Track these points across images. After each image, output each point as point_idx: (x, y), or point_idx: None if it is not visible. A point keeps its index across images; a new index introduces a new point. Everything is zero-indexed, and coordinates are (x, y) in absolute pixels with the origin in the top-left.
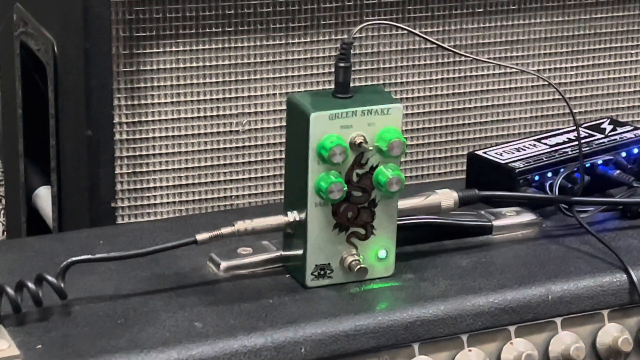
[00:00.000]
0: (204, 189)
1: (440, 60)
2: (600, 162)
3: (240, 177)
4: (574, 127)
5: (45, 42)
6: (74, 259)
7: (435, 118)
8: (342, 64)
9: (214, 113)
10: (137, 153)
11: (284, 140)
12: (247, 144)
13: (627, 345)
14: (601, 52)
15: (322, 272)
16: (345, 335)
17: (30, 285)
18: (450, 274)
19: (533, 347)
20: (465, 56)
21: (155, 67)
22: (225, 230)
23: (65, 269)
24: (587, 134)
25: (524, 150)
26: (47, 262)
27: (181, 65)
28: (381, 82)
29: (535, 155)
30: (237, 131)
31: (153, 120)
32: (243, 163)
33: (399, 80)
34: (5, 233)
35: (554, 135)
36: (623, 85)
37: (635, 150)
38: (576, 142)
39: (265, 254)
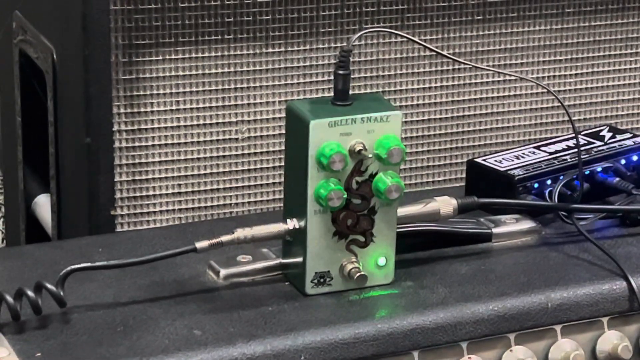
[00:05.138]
0: (203, 197)
1: (439, 68)
2: (599, 169)
3: (240, 184)
4: (573, 135)
5: (44, 50)
6: (73, 266)
7: (435, 125)
8: (341, 72)
9: (214, 121)
10: (137, 161)
11: (283, 147)
12: (246, 151)
13: (627, 353)
14: (600, 60)
15: (321, 280)
16: (345, 343)
17: (30, 293)
18: (450, 281)
19: (533, 355)
20: (465, 64)
21: (154, 74)
22: (225, 238)
23: (65, 277)
24: (586, 142)
25: (523, 157)
26: (46, 270)
27: (180, 72)
28: (380, 89)
29: (534, 163)
30: (237, 139)
31: (152, 128)
32: (242, 171)
33: (398, 87)
34: (4, 241)
35: (553, 143)
36: (622, 92)
37: (635, 158)
38: (575, 150)
39: (264, 262)
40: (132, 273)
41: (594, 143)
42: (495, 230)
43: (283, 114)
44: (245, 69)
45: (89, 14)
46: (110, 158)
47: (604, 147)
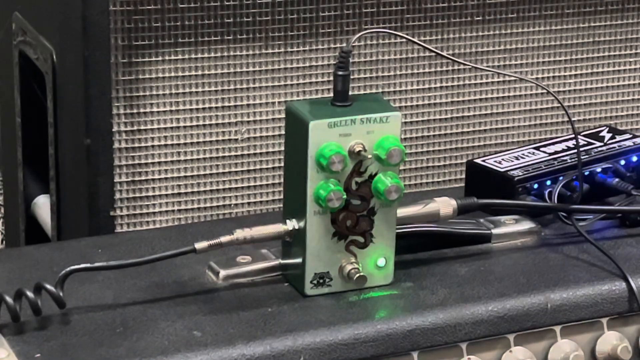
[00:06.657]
0: (203, 198)
1: (439, 69)
2: (599, 170)
3: (239, 185)
4: (573, 135)
5: (44, 51)
6: (72, 267)
7: (434, 126)
8: (340, 72)
9: (213, 121)
10: (136, 161)
11: (283, 148)
12: (246, 152)
13: (626, 354)
14: (600, 60)
15: (321, 281)
16: (344, 344)
17: (29, 294)
18: (449, 282)
19: (532, 356)
20: (464, 64)
21: (154, 75)
22: (225, 238)
23: (64, 278)
24: (586, 142)
25: (523, 158)
26: (46, 271)
27: (180, 73)
28: (380, 90)
29: (534, 164)
30: (236, 139)
31: (152, 129)
32: (242, 171)
33: (397, 88)
34: (4, 242)
35: (553, 144)
36: (622, 93)
37: (634, 159)
38: (575, 150)
39: (264, 263)
40: (131, 274)
41: (593, 144)
42: (494, 231)
43: (283, 115)
44: (244, 69)
45: (89, 15)
46: (110, 159)
47: (604, 148)
